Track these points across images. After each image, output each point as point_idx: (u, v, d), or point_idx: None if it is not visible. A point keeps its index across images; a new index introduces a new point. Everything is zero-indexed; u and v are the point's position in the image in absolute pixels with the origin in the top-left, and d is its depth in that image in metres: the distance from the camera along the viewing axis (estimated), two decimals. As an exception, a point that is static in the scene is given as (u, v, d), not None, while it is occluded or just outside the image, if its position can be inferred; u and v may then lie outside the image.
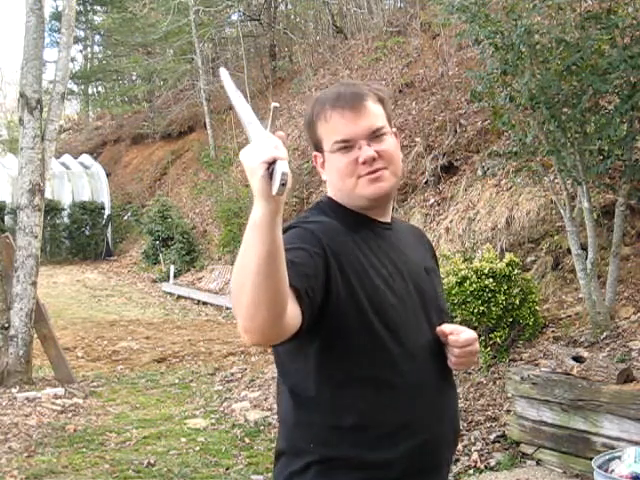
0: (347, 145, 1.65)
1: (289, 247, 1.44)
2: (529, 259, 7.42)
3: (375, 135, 1.66)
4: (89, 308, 12.55)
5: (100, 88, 30.37)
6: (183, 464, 4.86)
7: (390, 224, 1.77)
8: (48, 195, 14.07)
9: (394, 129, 1.73)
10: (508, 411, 4.94)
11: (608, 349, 5.23)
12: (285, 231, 1.53)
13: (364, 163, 1.64)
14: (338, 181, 1.68)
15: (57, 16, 20.21)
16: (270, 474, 4.66)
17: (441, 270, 6.51)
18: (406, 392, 1.63)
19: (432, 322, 1.72)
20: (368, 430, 1.59)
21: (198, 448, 5.19)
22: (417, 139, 11.06)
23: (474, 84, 6.44)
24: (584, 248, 5.80)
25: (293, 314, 1.43)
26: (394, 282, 1.67)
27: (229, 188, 15.35)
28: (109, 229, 20.37)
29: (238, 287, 1.37)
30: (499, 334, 5.89)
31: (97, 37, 28.74)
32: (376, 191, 1.66)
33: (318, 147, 1.71)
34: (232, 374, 7.41)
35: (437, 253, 1.94)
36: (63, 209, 19.68)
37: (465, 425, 5.02)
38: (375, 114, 1.67)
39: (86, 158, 22.19)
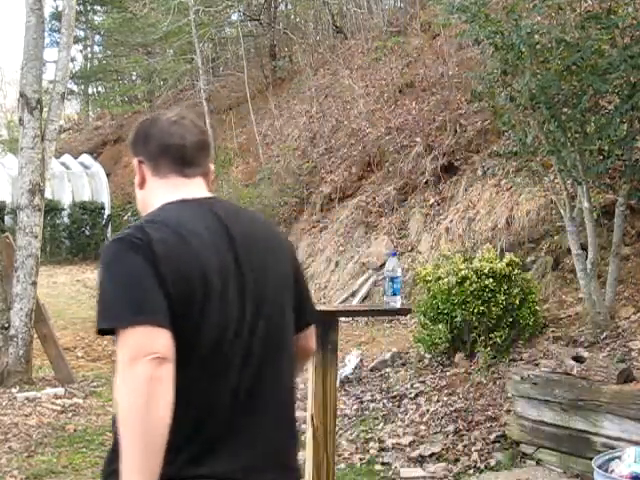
0: None
1: None
2: (529, 259, 7.42)
3: None
4: (89, 308, 12.52)
5: (100, 88, 30.35)
6: (183, 464, 4.85)
7: None
8: (48, 195, 14.06)
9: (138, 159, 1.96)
10: (508, 411, 4.94)
11: (608, 349, 5.23)
12: None
13: None
14: None
15: (57, 16, 20.20)
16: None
17: (441, 270, 6.53)
18: None
19: None
20: None
21: (198, 448, 5.18)
22: (417, 139, 11.06)
23: (474, 84, 6.45)
24: (584, 248, 5.80)
25: None
26: None
27: (229, 188, 15.35)
28: (109, 229, 20.34)
29: None
30: (499, 334, 5.89)
31: (97, 37, 28.71)
32: None
33: None
34: (232, 374, 7.42)
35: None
36: (63, 209, 19.66)
37: (465, 425, 5.02)
38: None
39: (86, 158, 22.17)
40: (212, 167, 1.86)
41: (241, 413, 1.56)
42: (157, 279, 1.49)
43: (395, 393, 5.87)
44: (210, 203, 1.72)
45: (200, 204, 1.71)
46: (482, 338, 5.95)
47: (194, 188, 1.75)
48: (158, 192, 1.78)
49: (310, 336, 1.86)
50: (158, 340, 1.43)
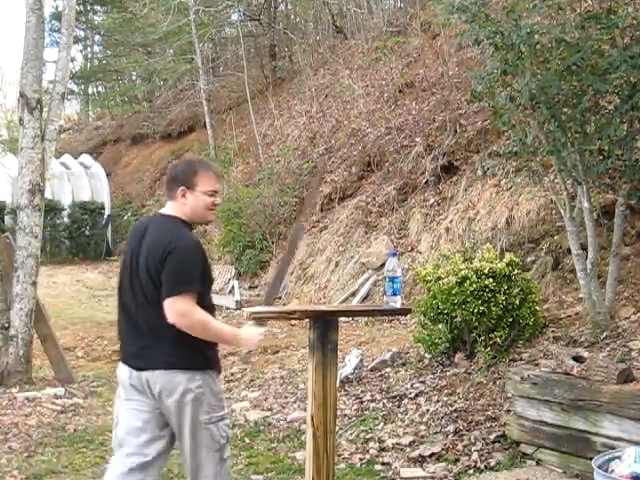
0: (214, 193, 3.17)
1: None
2: (529, 259, 7.42)
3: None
4: (89, 308, 12.54)
5: (100, 88, 30.37)
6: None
7: None
8: (48, 195, 14.06)
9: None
10: (508, 411, 4.94)
11: (608, 349, 5.23)
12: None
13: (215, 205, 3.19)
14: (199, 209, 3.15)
15: (57, 16, 20.20)
16: (270, 474, 4.66)
17: (441, 270, 6.52)
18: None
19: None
20: None
21: (198, 448, 5.17)
22: (417, 139, 11.05)
23: (474, 84, 6.44)
24: (584, 248, 5.80)
25: None
26: None
27: (229, 188, 15.34)
28: (109, 229, 20.35)
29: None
30: (499, 334, 5.89)
31: (97, 37, 28.70)
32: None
33: (190, 186, 3.09)
34: (232, 374, 7.41)
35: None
36: (63, 209, 19.65)
37: (465, 425, 5.03)
38: None
39: (86, 158, 22.16)
40: (178, 190, 3.08)
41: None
42: None
43: (395, 393, 5.88)
44: (156, 217, 3.28)
45: (154, 218, 3.34)
46: (482, 338, 5.95)
47: (165, 208, 3.17)
48: None
49: (166, 306, 2.93)
50: None
